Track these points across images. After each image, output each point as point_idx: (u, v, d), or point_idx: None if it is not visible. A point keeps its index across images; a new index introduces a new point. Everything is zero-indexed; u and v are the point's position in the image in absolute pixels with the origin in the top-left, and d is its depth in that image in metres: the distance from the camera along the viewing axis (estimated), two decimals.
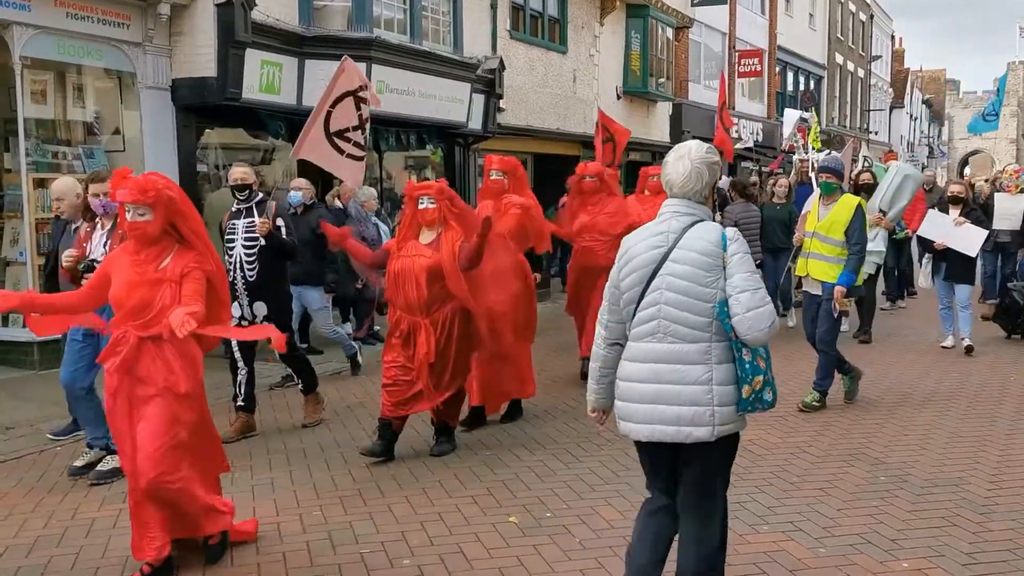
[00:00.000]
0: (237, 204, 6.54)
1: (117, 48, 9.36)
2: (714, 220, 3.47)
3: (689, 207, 3.44)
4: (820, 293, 7.02)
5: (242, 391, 6.57)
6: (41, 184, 8.99)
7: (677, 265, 3.32)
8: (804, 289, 7.30)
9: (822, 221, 6.99)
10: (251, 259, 6.39)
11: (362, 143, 7.20)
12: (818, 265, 7.01)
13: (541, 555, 4.44)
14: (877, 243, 9.24)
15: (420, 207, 5.82)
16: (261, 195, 6.61)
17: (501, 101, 14.56)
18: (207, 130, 10.76)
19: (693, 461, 3.37)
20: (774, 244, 10.80)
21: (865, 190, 9.85)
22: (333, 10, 11.26)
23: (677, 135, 21.25)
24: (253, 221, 6.42)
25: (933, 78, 70.00)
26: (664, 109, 21.03)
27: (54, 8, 8.58)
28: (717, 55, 24.80)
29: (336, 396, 7.73)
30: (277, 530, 4.79)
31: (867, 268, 8.55)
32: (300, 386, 6.97)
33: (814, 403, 7.13)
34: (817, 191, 7.73)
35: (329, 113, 6.91)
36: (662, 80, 20.20)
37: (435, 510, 5.06)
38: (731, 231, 3.36)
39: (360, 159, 7.24)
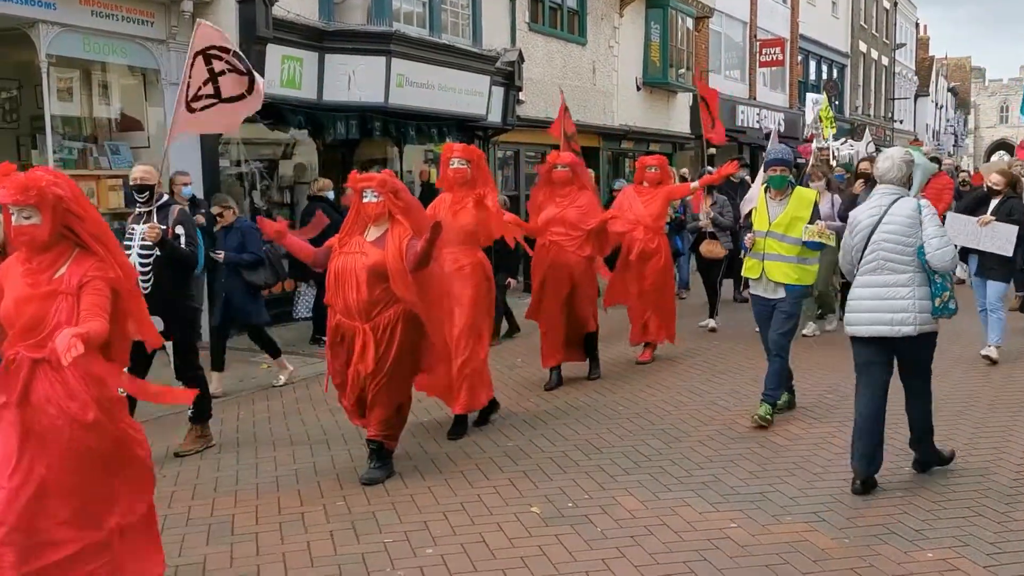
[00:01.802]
0: (138, 207, 5.91)
1: (141, 45, 9.44)
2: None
3: (893, 189, 5.09)
4: (777, 296, 6.31)
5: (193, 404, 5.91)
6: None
7: (888, 225, 5.00)
8: (753, 292, 6.53)
9: (778, 219, 6.25)
10: (146, 269, 5.72)
11: (213, 92, 6.31)
12: (777, 267, 6.26)
13: (563, 544, 4.46)
14: None
15: (364, 200, 5.28)
16: (166, 198, 6.06)
17: (520, 93, 14.56)
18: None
19: (907, 351, 5.06)
20: None
21: (868, 180, 9.37)
22: (353, 4, 11.31)
23: (697, 126, 21.14)
24: (161, 227, 5.80)
25: (958, 66, 69.17)
26: (684, 100, 20.92)
27: (79, 6, 8.66)
28: (738, 45, 24.64)
29: None
30: (301, 520, 4.84)
31: None
32: (190, 414, 6.16)
33: (768, 416, 6.33)
34: (758, 185, 7.16)
35: (188, 85, 6.26)
36: (682, 71, 20.10)
37: (457, 500, 5.10)
38: (924, 201, 5.04)
39: (213, 105, 6.35)
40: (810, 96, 19.48)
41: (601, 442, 6.15)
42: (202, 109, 6.31)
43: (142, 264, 5.71)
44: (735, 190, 11.62)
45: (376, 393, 5.26)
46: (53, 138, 8.90)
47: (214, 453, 6.09)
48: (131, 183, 5.96)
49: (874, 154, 12.17)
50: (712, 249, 10.20)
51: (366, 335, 5.15)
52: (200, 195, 9.48)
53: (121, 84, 9.97)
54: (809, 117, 18.20)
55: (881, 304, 5.00)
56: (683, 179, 13.25)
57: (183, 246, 5.86)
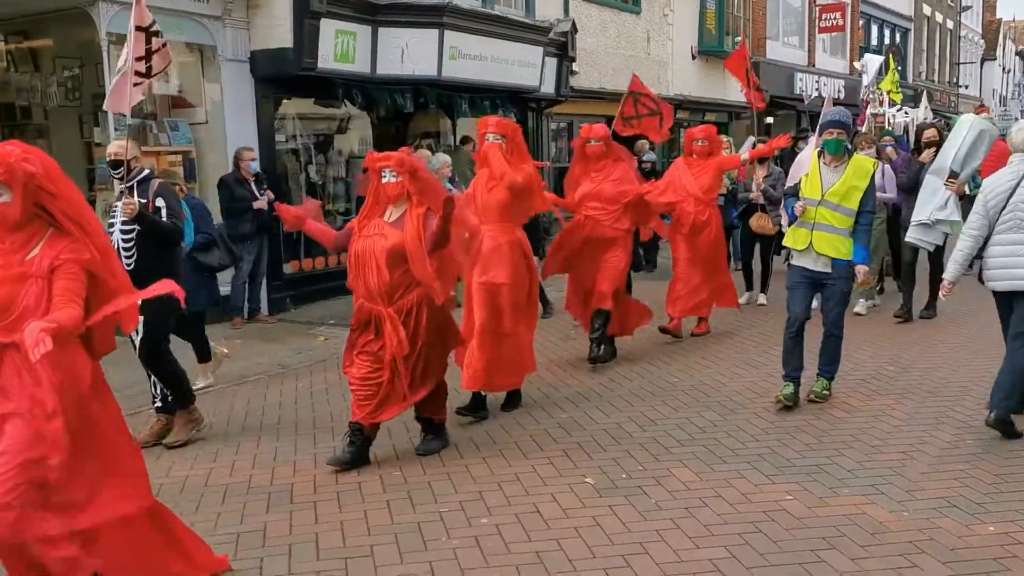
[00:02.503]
0: (118, 184, 5.74)
1: (198, 22, 9.57)
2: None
3: None
4: (822, 270, 5.99)
5: (157, 391, 5.90)
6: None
7: None
8: (796, 263, 6.14)
9: (833, 187, 5.89)
10: (128, 246, 5.54)
11: (144, 71, 5.84)
12: (826, 239, 5.92)
13: (617, 515, 4.47)
14: (949, 210, 7.73)
15: (383, 181, 5.13)
16: (146, 171, 5.81)
17: (574, 64, 14.44)
18: (284, 100, 10.95)
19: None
20: None
21: (931, 148, 8.97)
22: None
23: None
24: (141, 201, 5.62)
25: None
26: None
27: None
28: (797, 10, 24.06)
29: None
30: (359, 489, 4.93)
31: (935, 239, 7.74)
32: (158, 404, 5.92)
33: (825, 391, 6.20)
34: (810, 150, 6.54)
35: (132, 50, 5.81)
36: (738, 38, 19.69)
37: (512, 471, 5.14)
38: None
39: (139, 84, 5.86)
40: (873, 57, 18.83)
41: (655, 414, 6.14)
42: (135, 85, 5.83)
43: (124, 241, 5.56)
44: (792, 156, 11.32)
45: (412, 375, 5.17)
46: (115, 116, 9.08)
47: (273, 423, 6.22)
48: (107, 160, 5.83)
49: (935, 121, 11.72)
50: (762, 224, 9.81)
51: (392, 319, 5.06)
52: (256, 175, 9.62)
53: (178, 61, 10.11)
54: (867, 79, 17.67)
55: (1015, 261, 5.38)
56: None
57: (164, 219, 5.63)
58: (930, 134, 9.37)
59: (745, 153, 9.07)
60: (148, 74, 5.92)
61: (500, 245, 6.01)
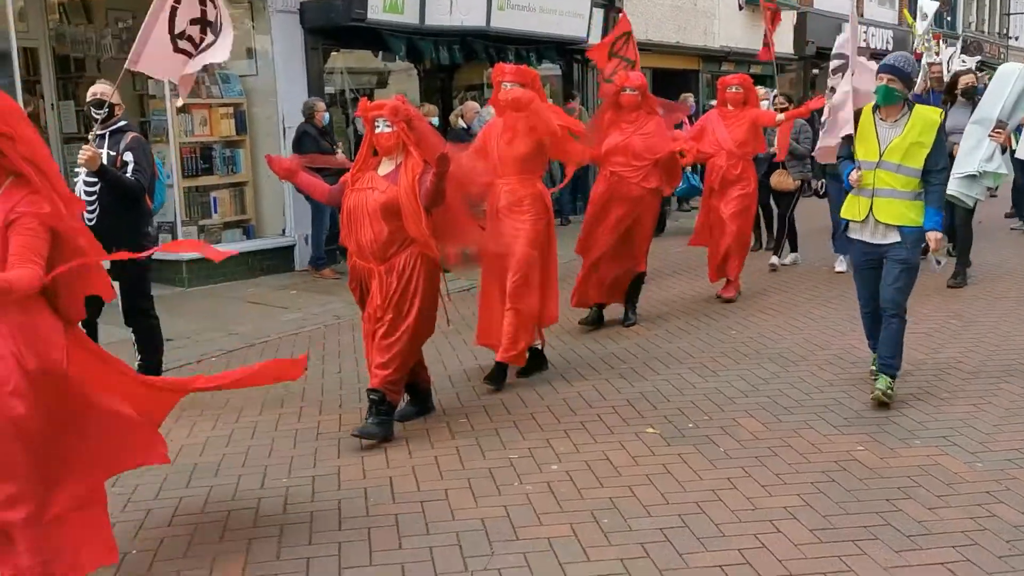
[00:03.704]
0: (95, 128, 5.37)
1: None
2: None
3: None
4: (888, 241, 5.18)
5: (141, 355, 5.62)
6: (182, 110, 9.35)
7: None
8: (855, 238, 5.34)
9: (893, 143, 5.07)
10: (91, 199, 5.18)
11: (198, 40, 5.43)
12: (891, 205, 5.12)
13: (687, 463, 4.49)
14: (996, 162, 7.19)
15: (376, 131, 4.78)
16: (124, 123, 5.48)
17: (620, 15, 14.19)
18: (333, 52, 10.91)
19: None
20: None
21: (966, 96, 8.58)
22: None
23: (801, 46, 20.35)
24: (110, 153, 5.30)
25: None
26: (788, 19, 20.06)
27: None
28: None
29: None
30: (427, 435, 4.98)
31: (979, 193, 7.33)
32: (139, 363, 5.57)
33: (890, 391, 5.20)
34: (848, 105, 5.49)
35: (174, 9, 5.30)
36: None
37: (577, 419, 5.16)
38: None
39: (188, 55, 5.41)
40: (922, 1, 18.19)
41: (716, 365, 6.12)
42: (180, 52, 5.37)
43: (87, 195, 5.20)
44: (819, 114, 10.75)
45: (386, 339, 4.79)
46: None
47: (333, 372, 6.29)
48: (88, 99, 5.45)
49: (971, 69, 11.17)
50: (782, 180, 9.30)
51: (382, 277, 4.77)
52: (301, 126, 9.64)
53: (229, 13, 10.05)
54: (921, 26, 17.17)
55: None
56: (789, 100, 12.33)
57: (129, 175, 5.24)
58: (968, 80, 8.95)
59: (781, 114, 8.40)
60: (196, 45, 5.41)
61: (520, 199, 5.71)
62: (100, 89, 5.40)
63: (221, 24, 5.52)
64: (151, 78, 9.41)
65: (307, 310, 8.19)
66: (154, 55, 5.25)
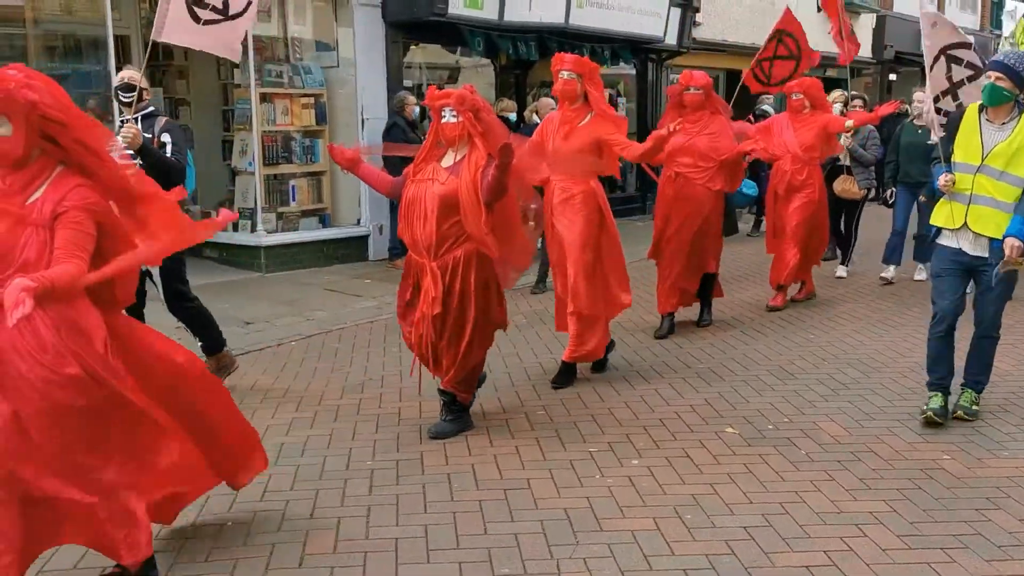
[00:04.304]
0: (124, 114, 5.45)
1: None
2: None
3: None
4: (978, 254, 4.83)
5: (198, 337, 5.71)
6: (265, 99, 9.56)
7: None
8: (946, 244, 4.96)
9: (996, 148, 4.71)
10: None
11: (221, 5, 5.33)
12: (988, 215, 4.73)
13: (768, 464, 4.47)
14: None
15: (443, 121, 4.62)
16: (152, 107, 5.55)
17: (697, 15, 14.13)
18: (412, 46, 11.05)
19: None
20: (913, 177, 8.50)
21: None
22: None
23: (880, 49, 19.97)
24: (146, 136, 5.35)
25: None
26: (867, 22, 19.74)
27: None
28: None
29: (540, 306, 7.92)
30: (507, 425, 5.04)
31: None
32: (200, 344, 5.71)
33: (974, 407, 5.06)
34: (928, 108, 5.49)
35: None
36: None
37: (656, 416, 5.17)
38: None
39: (215, 22, 5.37)
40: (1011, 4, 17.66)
41: (794, 368, 6.07)
42: (206, 23, 5.38)
43: None
44: (896, 120, 10.00)
45: (446, 339, 4.72)
46: (255, 58, 9.33)
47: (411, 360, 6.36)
48: (117, 83, 5.51)
49: None
50: (847, 188, 8.86)
51: (434, 274, 4.59)
52: (384, 119, 9.79)
53: (313, 5, 10.30)
54: (1007, 28, 16.69)
55: None
56: (864, 103, 11.92)
57: (168, 155, 5.34)
58: None
59: (850, 121, 7.91)
60: (226, 12, 5.35)
61: (572, 196, 5.57)
62: (128, 74, 5.48)
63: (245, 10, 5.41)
64: (236, 67, 9.76)
65: (381, 299, 8.31)
66: (176, 25, 5.29)
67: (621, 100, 14.44)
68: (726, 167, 6.82)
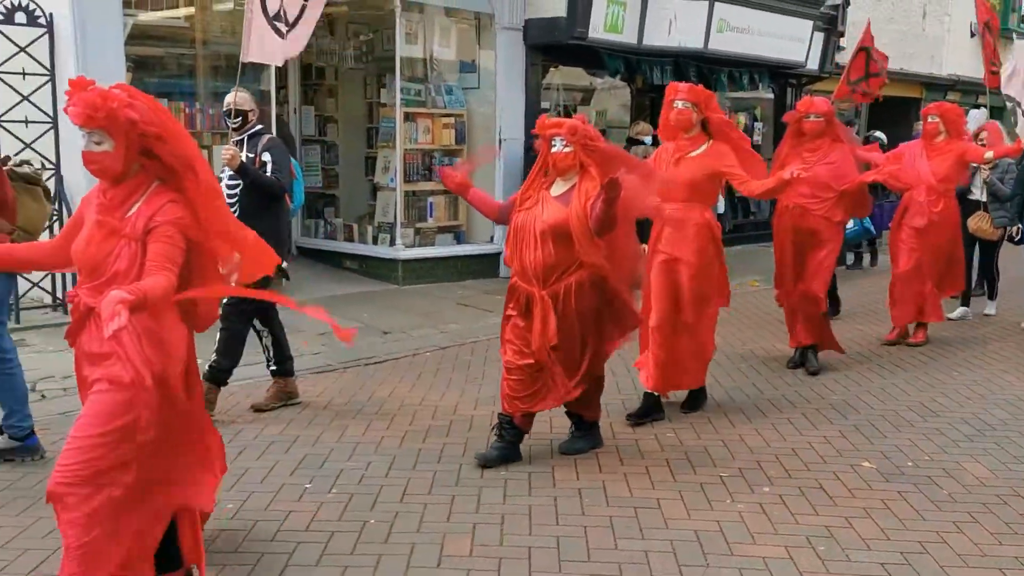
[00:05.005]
0: (232, 137, 5.51)
1: None
2: None
3: None
4: None
5: (271, 355, 5.70)
6: (408, 118, 9.94)
7: None
8: None
9: None
10: (231, 200, 5.24)
11: (298, 12, 5.53)
12: None
13: (907, 501, 4.36)
14: None
15: (552, 150, 4.59)
16: (260, 127, 5.59)
17: (841, 39, 13.83)
18: (551, 69, 11.26)
19: None
20: None
21: None
22: None
23: None
24: (248, 155, 5.42)
25: None
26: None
27: None
28: None
29: None
30: (636, 446, 5.09)
31: None
32: (272, 367, 5.73)
33: None
34: None
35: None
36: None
37: (788, 445, 5.12)
38: None
39: (289, 31, 5.55)
40: None
41: (936, 405, 5.88)
42: (288, 34, 5.55)
43: (228, 196, 5.19)
44: None
45: (568, 367, 4.66)
46: (401, 79, 9.73)
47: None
48: (224, 108, 5.59)
49: None
50: (981, 227, 8.18)
51: (545, 304, 4.55)
52: (522, 140, 10.00)
53: (458, 28, 10.64)
54: None
55: None
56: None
57: (268, 174, 5.39)
58: None
59: (990, 152, 7.45)
60: (288, 22, 5.52)
61: (685, 225, 5.37)
62: (230, 99, 5.50)
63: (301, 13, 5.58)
64: (383, 87, 10.20)
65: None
66: (261, 43, 5.47)
67: (758, 125, 14.28)
68: (848, 197, 6.52)
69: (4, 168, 4.61)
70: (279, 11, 5.49)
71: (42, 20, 7.36)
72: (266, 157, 5.42)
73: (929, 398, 6.05)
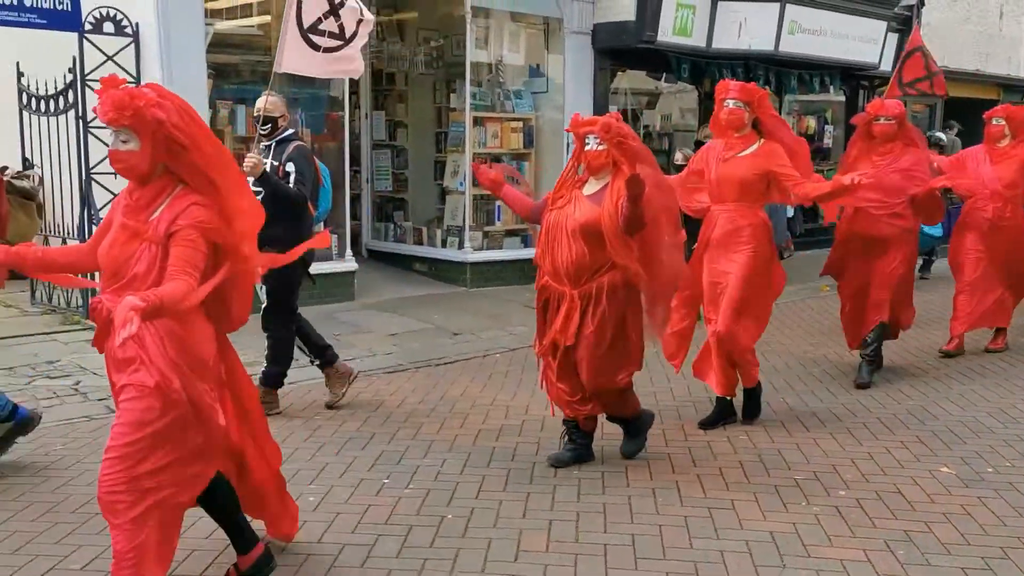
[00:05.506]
0: (261, 142, 5.50)
1: None
2: None
3: None
4: None
5: (307, 351, 5.77)
6: (477, 122, 10.05)
7: None
8: None
9: None
10: None
11: (338, 31, 5.47)
12: None
13: (988, 507, 4.28)
14: None
15: (586, 148, 4.53)
16: (290, 131, 5.58)
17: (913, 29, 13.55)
18: (619, 73, 11.27)
19: None
20: None
21: None
22: None
23: None
24: (273, 163, 5.38)
25: None
26: None
27: None
28: None
29: None
30: (709, 448, 5.09)
31: None
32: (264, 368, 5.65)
33: None
34: None
35: (299, 8, 5.36)
36: None
37: (864, 449, 5.06)
38: None
39: (336, 49, 5.51)
40: None
41: (1017, 412, 5.76)
42: (326, 51, 5.47)
43: None
44: None
45: (597, 371, 4.57)
46: (471, 84, 9.85)
47: None
48: (254, 113, 5.57)
49: None
50: None
51: (572, 302, 4.51)
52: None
53: (526, 33, 10.73)
54: None
55: None
56: None
57: (291, 184, 5.32)
58: None
59: None
60: (344, 37, 5.47)
61: (740, 228, 5.23)
62: (260, 104, 5.47)
63: (357, 28, 5.53)
64: (453, 92, 10.33)
65: None
66: (294, 54, 5.40)
67: (828, 128, 14.08)
68: (919, 204, 6.32)
69: (3, 179, 4.57)
70: (316, 23, 5.40)
71: (128, 30, 7.65)
72: (290, 167, 5.37)
73: (1009, 404, 5.92)
